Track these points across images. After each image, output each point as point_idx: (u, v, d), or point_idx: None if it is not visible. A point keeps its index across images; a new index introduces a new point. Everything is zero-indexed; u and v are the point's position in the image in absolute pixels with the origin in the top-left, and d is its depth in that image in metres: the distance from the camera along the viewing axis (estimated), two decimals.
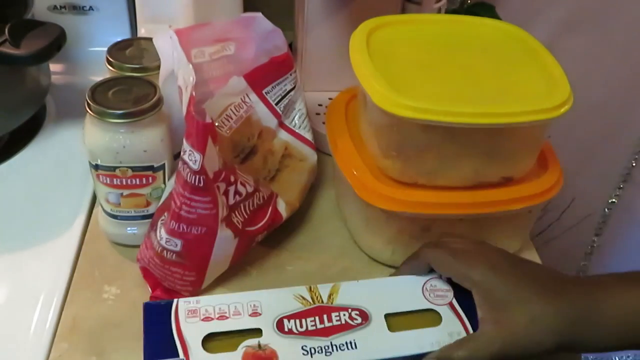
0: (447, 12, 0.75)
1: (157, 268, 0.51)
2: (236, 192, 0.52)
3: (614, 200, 1.11)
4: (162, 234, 0.50)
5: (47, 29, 0.60)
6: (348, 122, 0.58)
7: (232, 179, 0.51)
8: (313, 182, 0.63)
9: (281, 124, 0.61)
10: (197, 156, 0.46)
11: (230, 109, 0.56)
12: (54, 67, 0.73)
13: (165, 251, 0.50)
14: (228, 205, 0.51)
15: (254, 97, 0.58)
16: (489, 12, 0.80)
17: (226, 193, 0.51)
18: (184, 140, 0.46)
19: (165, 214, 0.50)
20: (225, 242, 0.51)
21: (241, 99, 0.57)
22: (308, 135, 0.62)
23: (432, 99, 0.48)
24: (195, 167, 0.46)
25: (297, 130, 0.62)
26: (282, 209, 0.57)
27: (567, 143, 0.68)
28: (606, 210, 1.13)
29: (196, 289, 0.52)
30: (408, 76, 0.51)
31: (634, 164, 1.07)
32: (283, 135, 0.61)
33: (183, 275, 0.51)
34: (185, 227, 0.49)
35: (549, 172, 0.55)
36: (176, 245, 0.49)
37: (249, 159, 0.57)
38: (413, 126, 0.49)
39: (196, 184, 0.47)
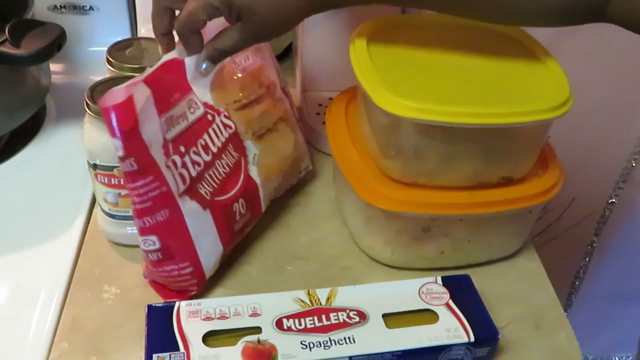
0: None
1: (156, 275, 0.51)
2: (194, 162, 0.50)
3: (614, 200, 1.11)
4: (138, 238, 0.49)
5: (47, 29, 0.60)
6: (348, 122, 0.58)
7: (183, 149, 0.49)
8: (306, 169, 0.64)
9: (284, 90, 0.61)
10: (117, 143, 0.44)
11: (250, 52, 0.56)
12: (54, 67, 0.73)
13: (149, 254, 0.49)
14: (191, 177, 0.49)
15: (267, 52, 0.59)
16: None
17: (185, 165, 0.49)
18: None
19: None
20: (197, 217, 0.50)
21: (257, 47, 0.57)
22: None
23: (432, 99, 0.48)
24: (120, 153, 0.45)
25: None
26: (255, 173, 0.56)
27: (567, 143, 0.68)
28: (606, 210, 1.12)
29: (202, 281, 0.52)
30: (408, 76, 0.51)
31: (634, 164, 1.07)
32: (285, 101, 0.61)
33: (179, 270, 0.50)
34: (149, 220, 0.47)
35: (549, 172, 0.55)
36: (154, 242, 0.48)
37: (249, 107, 0.56)
38: (413, 126, 0.49)
39: (130, 169, 0.45)
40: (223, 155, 0.53)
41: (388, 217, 0.53)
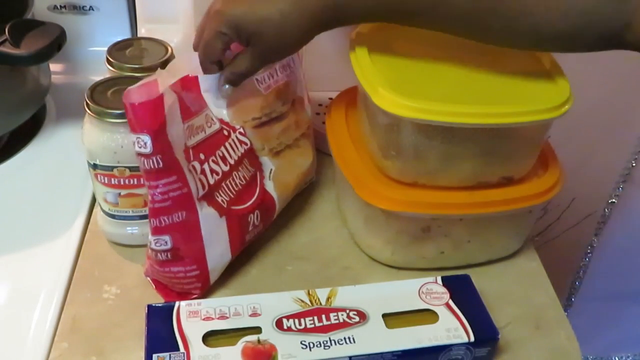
0: None
1: (160, 275, 0.51)
2: (212, 171, 0.50)
3: (614, 200, 1.11)
4: (150, 237, 0.49)
5: (47, 29, 0.60)
6: (348, 122, 0.58)
7: (202, 156, 0.49)
8: (311, 181, 0.63)
9: (310, 100, 0.59)
10: (145, 138, 0.44)
11: (277, 67, 0.55)
12: (54, 67, 0.73)
13: (158, 253, 0.49)
14: (209, 184, 0.50)
15: (296, 66, 0.58)
16: None
17: (204, 172, 0.49)
18: (131, 134, 0.45)
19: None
20: (212, 223, 0.50)
21: (286, 63, 0.57)
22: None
23: (432, 99, 0.48)
24: (147, 150, 0.44)
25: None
26: (271, 188, 0.56)
27: (567, 143, 0.68)
28: (606, 210, 1.12)
29: (205, 286, 0.52)
30: (408, 76, 0.51)
31: (634, 164, 1.06)
32: (309, 111, 0.59)
33: (186, 272, 0.50)
34: (166, 220, 0.48)
35: (549, 172, 0.55)
36: (166, 242, 0.48)
37: (269, 125, 0.56)
38: (413, 126, 0.49)
39: (155, 166, 0.45)
40: (240, 168, 0.53)
41: (388, 217, 0.53)
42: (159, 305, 0.47)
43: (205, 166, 0.49)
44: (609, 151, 1.05)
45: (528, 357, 0.50)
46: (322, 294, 0.49)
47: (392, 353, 0.45)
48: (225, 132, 0.52)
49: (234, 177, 0.52)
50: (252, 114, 0.54)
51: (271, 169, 0.56)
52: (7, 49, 0.58)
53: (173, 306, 0.47)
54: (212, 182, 0.50)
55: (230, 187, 0.52)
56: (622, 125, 1.03)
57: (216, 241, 0.51)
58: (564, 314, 0.54)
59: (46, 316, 0.50)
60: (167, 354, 0.44)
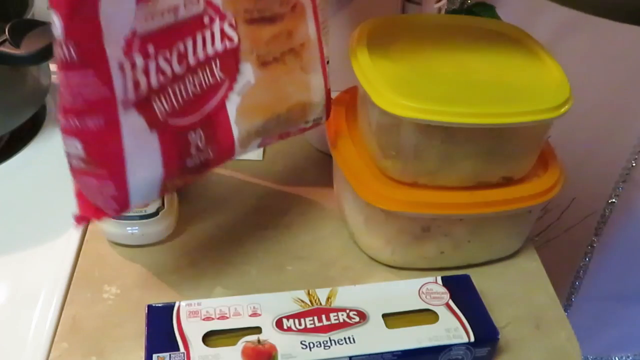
0: (447, 12, 0.75)
1: (76, 182, 0.42)
2: (159, 70, 0.40)
3: (614, 200, 1.11)
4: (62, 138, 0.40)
5: (47, 29, 0.59)
6: (348, 122, 0.58)
7: (152, 50, 0.39)
8: (315, 123, 0.54)
9: (315, 16, 0.49)
10: (55, 19, 0.35)
11: None
12: (54, 67, 0.73)
13: (71, 158, 0.40)
14: (149, 86, 0.40)
15: None
16: (489, 12, 0.80)
17: (146, 71, 0.39)
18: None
19: None
20: (138, 136, 0.40)
21: None
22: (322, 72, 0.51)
23: (432, 99, 0.48)
24: (57, 34, 0.35)
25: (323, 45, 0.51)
26: (234, 105, 0.45)
27: (567, 143, 0.68)
28: (606, 210, 1.12)
29: (124, 207, 0.43)
30: (408, 76, 0.51)
31: (634, 164, 1.07)
32: (311, 29, 0.49)
33: (100, 188, 0.41)
34: (76, 123, 0.38)
35: (549, 172, 0.55)
36: (76, 148, 0.39)
37: (260, 24, 0.46)
38: (413, 126, 0.49)
39: (66, 57, 0.35)
40: (200, 71, 0.43)
41: (388, 217, 0.53)
42: (159, 305, 0.47)
43: (151, 63, 0.39)
44: (609, 151, 1.05)
45: (528, 357, 0.50)
46: (322, 294, 0.49)
47: (392, 353, 0.45)
48: (207, 20, 0.42)
49: (188, 82, 0.42)
50: (245, 4, 0.45)
51: (249, 82, 0.46)
52: (7, 49, 0.58)
53: (173, 306, 0.47)
54: (154, 84, 0.40)
55: (178, 94, 0.42)
56: (622, 125, 1.03)
57: (142, 159, 0.41)
58: (564, 314, 0.54)
59: (46, 316, 0.50)
60: (167, 354, 0.44)
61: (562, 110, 0.49)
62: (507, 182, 0.54)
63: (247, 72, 0.46)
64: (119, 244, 0.56)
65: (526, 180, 0.54)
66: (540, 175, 0.55)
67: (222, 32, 0.43)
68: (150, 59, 0.39)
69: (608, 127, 1.03)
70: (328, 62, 0.53)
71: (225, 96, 0.45)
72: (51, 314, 0.50)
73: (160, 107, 0.41)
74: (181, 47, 0.41)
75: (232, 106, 0.45)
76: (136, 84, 0.39)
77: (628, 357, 1.31)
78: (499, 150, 0.52)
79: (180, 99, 0.42)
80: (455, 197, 0.52)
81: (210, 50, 0.43)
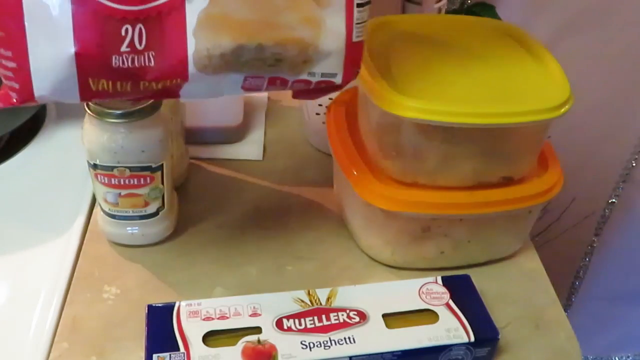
0: (447, 12, 0.75)
1: None
2: None
3: (614, 200, 1.11)
4: None
5: None
6: (348, 122, 0.58)
7: None
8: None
9: None
10: None
11: None
12: None
13: None
14: None
15: None
16: (489, 12, 0.80)
17: None
18: None
19: None
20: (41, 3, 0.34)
21: None
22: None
23: (432, 99, 0.48)
24: None
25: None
26: (195, 10, 0.37)
27: (567, 143, 0.68)
28: (606, 210, 1.13)
29: (27, 90, 0.37)
30: (408, 76, 0.51)
31: (634, 164, 1.07)
32: None
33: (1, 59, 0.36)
34: None
35: (549, 172, 0.55)
36: None
37: None
38: (413, 126, 0.49)
39: None
40: None
41: (388, 217, 0.53)
42: (159, 305, 0.47)
43: None
44: (609, 151, 1.06)
45: (528, 357, 0.50)
46: (322, 294, 0.49)
47: (392, 353, 0.45)
48: None
49: None
50: None
51: None
52: None
53: (173, 306, 0.47)
54: None
55: None
56: (622, 125, 1.03)
57: (48, 28, 0.35)
58: (564, 314, 0.54)
59: (46, 316, 0.50)
60: (167, 354, 0.44)
61: (562, 110, 0.49)
62: (507, 182, 0.54)
63: None
64: (119, 244, 0.56)
65: (526, 180, 0.54)
66: (540, 176, 0.55)
67: None
68: None
69: (608, 127, 1.03)
70: (363, 4, 0.41)
71: None
72: (51, 314, 0.50)
73: None
74: None
75: (193, 9, 0.37)
76: None
77: (628, 357, 1.31)
78: (499, 150, 0.52)
79: None
80: (455, 197, 0.52)
81: None
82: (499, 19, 0.74)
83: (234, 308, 0.47)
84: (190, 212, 0.60)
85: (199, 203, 0.61)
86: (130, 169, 0.51)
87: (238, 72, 0.40)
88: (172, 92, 0.38)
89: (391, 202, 0.51)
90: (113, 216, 0.54)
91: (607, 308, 1.24)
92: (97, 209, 0.57)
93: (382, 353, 0.45)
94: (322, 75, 0.42)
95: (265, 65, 0.40)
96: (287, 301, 0.48)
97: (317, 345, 0.44)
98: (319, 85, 0.43)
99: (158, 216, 0.55)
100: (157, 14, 0.36)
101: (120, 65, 0.37)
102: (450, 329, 0.47)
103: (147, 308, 0.47)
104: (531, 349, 0.51)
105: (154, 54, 0.37)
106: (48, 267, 0.54)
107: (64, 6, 0.35)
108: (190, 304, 0.47)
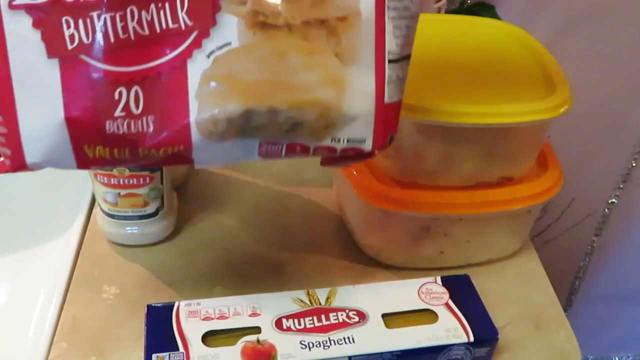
0: (447, 12, 0.75)
1: None
2: None
3: (614, 200, 1.11)
4: None
5: None
6: None
7: None
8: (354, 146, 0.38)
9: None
10: None
11: None
12: None
13: None
14: None
15: None
16: (489, 12, 0.80)
17: None
18: None
19: None
20: (28, 52, 0.32)
21: None
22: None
23: (432, 98, 0.48)
24: None
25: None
26: (198, 71, 0.33)
27: (567, 143, 0.68)
28: (606, 210, 1.12)
29: (18, 154, 0.34)
30: (408, 76, 0.51)
31: (634, 164, 1.07)
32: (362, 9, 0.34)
33: None
34: None
35: (549, 172, 0.55)
36: None
37: None
38: (412, 126, 0.49)
39: None
40: (153, 5, 0.33)
41: (388, 217, 0.53)
42: (159, 305, 0.47)
43: None
44: (609, 151, 1.05)
45: (528, 357, 0.50)
46: (321, 294, 0.49)
47: (392, 353, 0.45)
48: None
49: (130, 14, 0.32)
50: None
51: (228, 43, 0.33)
52: None
53: (173, 306, 0.47)
54: None
55: (107, 26, 0.32)
56: (622, 125, 1.03)
57: (37, 94, 0.33)
58: (564, 314, 0.54)
59: (45, 316, 0.50)
60: (167, 353, 0.44)
61: (562, 110, 0.49)
62: (507, 182, 0.54)
63: (229, 29, 0.33)
64: (119, 244, 0.56)
65: (526, 180, 0.54)
66: (540, 175, 0.55)
67: None
68: None
69: (608, 127, 1.03)
70: (398, 60, 0.37)
71: (188, 53, 0.33)
72: (51, 314, 0.50)
73: (73, 33, 0.32)
74: None
75: (196, 69, 0.33)
76: None
77: (628, 357, 1.31)
78: (499, 150, 0.52)
79: (110, 34, 0.32)
80: (455, 197, 0.52)
81: None
82: (499, 19, 0.74)
83: (233, 308, 0.47)
84: (190, 212, 0.60)
85: (199, 203, 0.61)
86: (130, 168, 0.51)
87: (250, 137, 0.35)
88: (184, 159, 0.35)
89: (391, 202, 0.51)
90: (112, 216, 0.54)
91: (607, 308, 1.24)
92: (96, 209, 0.57)
93: (381, 353, 0.45)
94: (348, 141, 0.37)
95: (281, 131, 0.35)
96: (286, 301, 0.48)
97: (316, 345, 0.44)
98: (346, 152, 0.37)
99: (157, 216, 0.55)
100: (155, 74, 0.33)
101: (115, 131, 0.34)
102: (450, 328, 0.47)
103: (146, 308, 0.47)
104: (531, 349, 0.51)
105: (153, 118, 0.34)
106: (48, 267, 0.54)
107: (52, 68, 0.32)
108: (190, 304, 0.47)
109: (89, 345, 0.48)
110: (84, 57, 0.32)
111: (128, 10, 0.32)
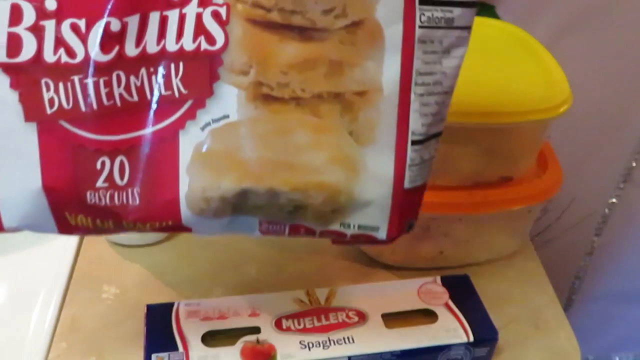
0: None
1: None
2: (60, 42, 0.28)
3: (614, 200, 1.11)
4: None
5: None
6: None
7: (54, 5, 0.28)
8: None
9: (406, 50, 0.31)
10: None
11: None
12: None
13: None
14: (39, 56, 0.29)
15: None
16: (489, 12, 0.80)
17: (38, 31, 0.28)
18: None
19: None
20: (4, 113, 0.30)
21: None
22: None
23: None
24: None
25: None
26: (191, 144, 0.30)
27: (567, 143, 0.68)
28: (606, 210, 1.12)
29: None
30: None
31: (634, 164, 1.06)
32: (389, 73, 0.31)
33: None
34: None
35: (549, 172, 0.55)
36: None
37: (276, 33, 0.29)
38: None
39: None
40: (144, 71, 0.30)
41: None
42: (158, 305, 0.47)
43: (48, 25, 0.28)
44: (609, 151, 1.05)
45: (528, 357, 0.50)
46: (321, 294, 0.49)
47: (392, 353, 0.45)
48: None
49: (116, 79, 0.29)
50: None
51: (226, 116, 0.30)
52: None
53: (172, 306, 0.47)
54: (48, 58, 0.28)
55: (90, 91, 0.29)
56: (622, 125, 1.03)
57: (14, 159, 0.30)
58: (564, 314, 0.54)
59: (45, 316, 0.50)
60: (166, 354, 0.43)
61: (561, 110, 0.49)
62: (507, 181, 0.53)
63: (228, 101, 0.30)
64: (118, 244, 0.56)
65: (525, 180, 0.54)
66: (539, 175, 0.55)
67: (199, 21, 0.29)
68: (49, 18, 0.28)
69: (608, 127, 1.03)
70: (423, 141, 0.34)
71: (181, 124, 0.30)
72: (50, 314, 0.50)
73: (53, 96, 0.29)
74: (116, 23, 0.28)
75: (188, 143, 0.30)
76: (13, 41, 0.28)
77: (628, 357, 1.31)
78: (499, 150, 0.52)
79: (93, 100, 0.29)
80: (455, 197, 0.52)
81: (171, 43, 0.29)
82: (499, 19, 0.74)
83: (233, 308, 0.47)
84: None
85: None
86: None
87: (249, 215, 0.33)
88: (179, 229, 0.33)
89: None
90: None
91: (607, 308, 1.24)
92: None
93: (381, 353, 0.45)
94: (360, 227, 0.34)
95: (282, 212, 0.32)
96: (286, 301, 0.48)
97: (316, 345, 0.44)
98: (357, 238, 0.34)
99: None
100: (143, 144, 0.30)
101: (97, 202, 0.31)
102: (450, 329, 0.47)
103: (146, 308, 0.47)
104: (531, 349, 0.51)
105: (139, 191, 0.31)
106: (47, 267, 0.54)
107: (29, 133, 0.30)
108: (189, 304, 0.47)
109: (89, 345, 0.48)
110: (63, 123, 0.30)
111: (114, 76, 0.29)
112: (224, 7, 0.29)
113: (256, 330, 0.46)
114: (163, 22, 0.29)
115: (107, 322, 0.50)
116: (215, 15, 0.29)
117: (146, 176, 0.31)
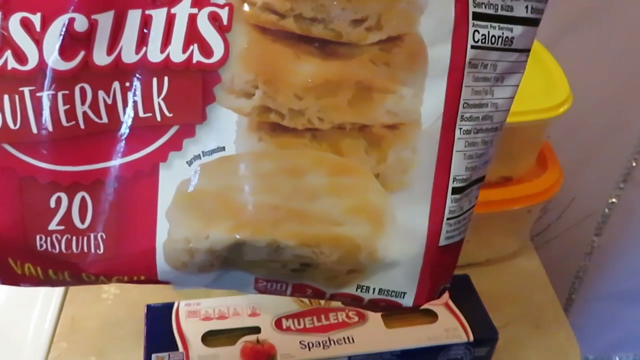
0: None
1: None
2: (8, 44, 0.22)
3: (614, 200, 1.11)
4: None
5: None
6: None
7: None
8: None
9: (454, 76, 0.25)
10: None
11: None
12: None
13: None
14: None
15: None
16: None
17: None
18: None
19: None
20: None
21: None
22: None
23: None
24: None
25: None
26: (173, 182, 0.25)
27: (567, 143, 0.68)
28: (606, 210, 1.12)
29: None
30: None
31: (634, 164, 1.06)
32: (430, 102, 0.25)
33: None
34: None
35: (549, 172, 0.55)
36: None
37: (293, 47, 0.24)
38: None
39: None
40: (118, 86, 0.23)
41: None
42: (158, 305, 0.47)
43: None
44: (609, 151, 1.05)
45: (528, 357, 0.50)
46: None
47: (391, 353, 0.45)
48: None
49: (79, 95, 0.23)
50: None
51: (219, 147, 0.24)
52: None
53: (172, 306, 0.47)
54: None
55: (44, 110, 0.23)
56: (622, 125, 1.03)
57: None
58: (564, 314, 0.54)
59: (45, 316, 0.50)
60: (166, 353, 0.43)
61: (561, 110, 0.49)
62: (507, 181, 0.53)
63: (225, 129, 0.24)
64: None
65: (525, 180, 0.54)
66: (539, 175, 0.55)
67: (192, 25, 0.23)
68: None
69: (608, 127, 1.03)
70: (465, 188, 0.29)
71: (162, 155, 0.24)
72: (50, 314, 0.50)
73: (11, 121, 0.23)
74: (82, 21, 0.22)
75: (171, 180, 0.24)
76: None
77: (628, 357, 1.31)
78: (499, 149, 0.52)
79: (48, 119, 0.23)
80: None
81: (154, 52, 0.23)
82: None
83: (233, 308, 0.47)
84: None
85: None
86: None
87: (243, 271, 0.27)
88: (154, 282, 0.28)
89: None
90: None
91: (607, 308, 1.24)
92: None
93: (381, 353, 0.45)
94: (381, 292, 0.27)
95: (285, 270, 0.26)
96: (286, 301, 0.48)
97: (316, 345, 0.44)
98: (376, 303, 0.28)
99: None
100: (112, 178, 0.24)
101: (49, 249, 0.25)
102: (450, 328, 0.47)
103: (146, 308, 0.47)
104: (531, 349, 0.51)
105: (103, 237, 0.25)
106: None
107: None
108: (189, 304, 0.47)
109: (89, 345, 0.48)
110: (8, 148, 0.23)
111: (77, 89, 0.23)
112: (226, 9, 0.23)
113: (256, 330, 0.46)
114: (145, 23, 0.23)
115: (107, 322, 0.50)
116: (214, 18, 0.23)
117: (114, 219, 0.25)
